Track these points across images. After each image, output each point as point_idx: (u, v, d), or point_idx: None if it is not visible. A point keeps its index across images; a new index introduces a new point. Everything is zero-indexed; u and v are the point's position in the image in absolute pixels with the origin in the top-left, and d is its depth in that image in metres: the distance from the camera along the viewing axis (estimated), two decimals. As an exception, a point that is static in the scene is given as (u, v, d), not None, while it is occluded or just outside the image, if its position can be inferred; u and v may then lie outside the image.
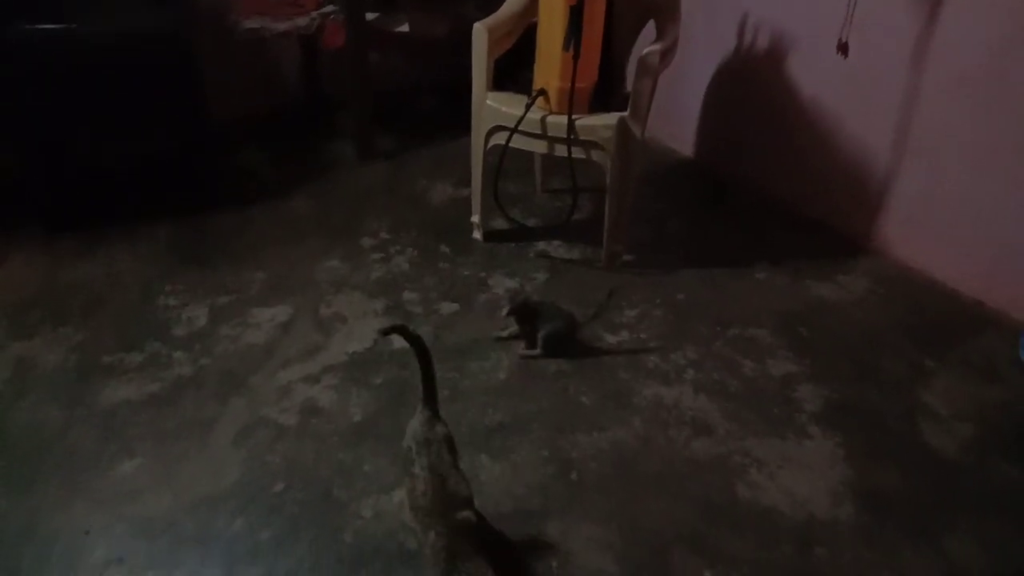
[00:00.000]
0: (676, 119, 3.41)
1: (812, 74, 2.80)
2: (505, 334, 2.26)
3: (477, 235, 2.75)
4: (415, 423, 1.54)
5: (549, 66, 2.38)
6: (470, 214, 2.75)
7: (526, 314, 2.17)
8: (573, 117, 2.36)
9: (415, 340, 1.53)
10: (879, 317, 2.40)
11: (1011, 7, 2.19)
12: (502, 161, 2.48)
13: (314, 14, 3.22)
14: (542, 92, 2.40)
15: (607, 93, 2.52)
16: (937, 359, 2.21)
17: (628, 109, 2.35)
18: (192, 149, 2.83)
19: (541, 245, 2.72)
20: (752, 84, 3.03)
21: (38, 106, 2.56)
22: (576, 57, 2.30)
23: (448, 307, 2.39)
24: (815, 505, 1.73)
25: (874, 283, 2.56)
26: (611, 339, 2.27)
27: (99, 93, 2.61)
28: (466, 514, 1.44)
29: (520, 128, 2.42)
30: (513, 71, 2.66)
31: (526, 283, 2.51)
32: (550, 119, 2.40)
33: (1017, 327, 2.32)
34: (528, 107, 2.38)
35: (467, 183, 2.74)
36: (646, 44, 2.40)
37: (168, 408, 1.97)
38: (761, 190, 3.07)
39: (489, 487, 1.76)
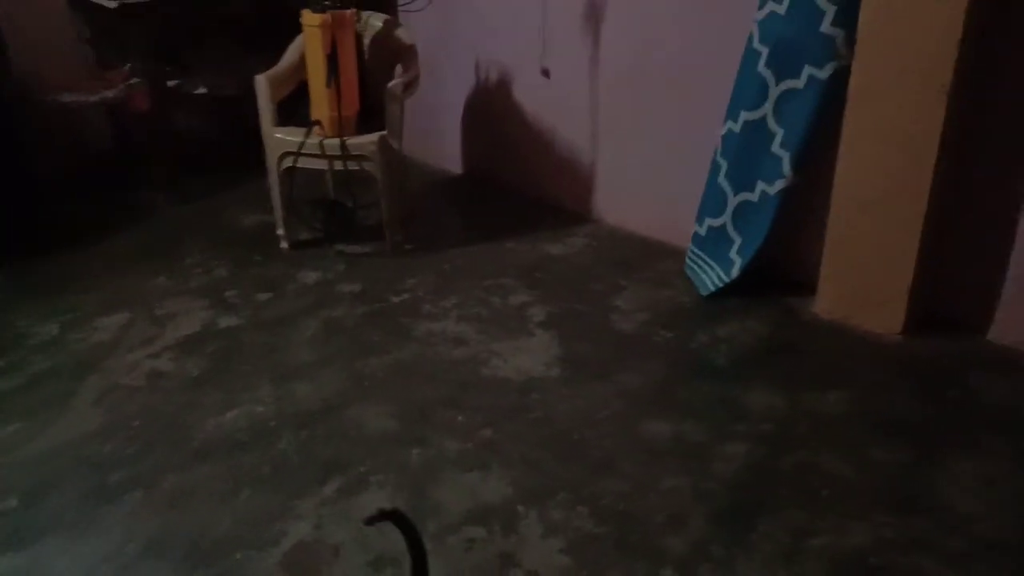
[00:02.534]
0: (443, 144, 4.22)
1: (530, 94, 3.69)
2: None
3: (284, 245, 3.37)
4: None
5: (319, 101, 3.09)
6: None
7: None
8: (344, 138, 3.07)
9: (407, 525, 1.36)
10: (591, 261, 3.25)
11: (642, 23, 3.14)
12: (292, 180, 3.15)
13: (121, 86, 3.77)
14: (316, 122, 3.10)
15: (372, 118, 3.26)
16: (628, 279, 3.07)
17: (386, 129, 3.10)
18: (21, 202, 3.30)
19: (339, 246, 3.39)
20: (492, 109, 3.89)
21: None
22: (338, 92, 3.03)
23: (263, 296, 3.00)
24: (534, 372, 2.49)
25: (589, 240, 3.42)
26: (395, 299, 2.96)
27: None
28: None
29: (303, 152, 3.10)
30: (297, 109, 3.34)
31: (328, 273, 3.16)
32: (326, 142, 3.10)
33: (685, 253, 3.24)
34: (307, 134, 3.07)
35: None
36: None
37: (33, 391, 2.44)
38: (513, 187, 3.91)
39: (302, 399, 2.38)
